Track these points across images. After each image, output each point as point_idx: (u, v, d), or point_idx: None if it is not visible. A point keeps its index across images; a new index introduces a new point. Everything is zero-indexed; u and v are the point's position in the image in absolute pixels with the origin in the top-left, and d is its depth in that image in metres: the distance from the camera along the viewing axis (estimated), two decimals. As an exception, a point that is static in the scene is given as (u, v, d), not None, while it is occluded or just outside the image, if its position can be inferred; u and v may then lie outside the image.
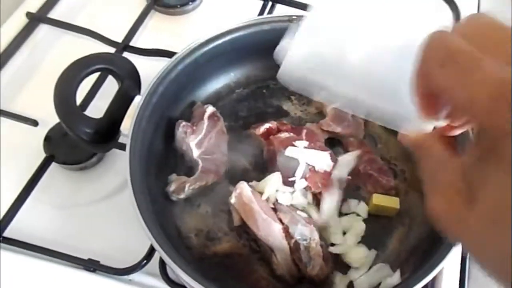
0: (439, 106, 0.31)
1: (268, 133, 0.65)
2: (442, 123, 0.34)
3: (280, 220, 0.56)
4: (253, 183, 0.61)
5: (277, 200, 0.59)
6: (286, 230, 0.56)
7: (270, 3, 0.87)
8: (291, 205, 0.60)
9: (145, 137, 0.59)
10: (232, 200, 0.58)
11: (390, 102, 0.36)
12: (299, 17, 0.68)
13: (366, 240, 0.61)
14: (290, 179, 0.60)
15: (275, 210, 0.58)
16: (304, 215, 0.58)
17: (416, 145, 0.34)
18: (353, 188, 0.64)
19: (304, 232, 0.56)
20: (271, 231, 0.55)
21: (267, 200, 0.59)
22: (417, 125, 0.34)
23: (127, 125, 0.58)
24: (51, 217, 0.66)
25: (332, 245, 0.60)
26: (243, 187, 0.57)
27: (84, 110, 0.69)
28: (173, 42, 0.79)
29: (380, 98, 0.37)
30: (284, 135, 0.63)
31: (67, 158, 0.68)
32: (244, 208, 0.57)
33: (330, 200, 0.60)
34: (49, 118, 0.69)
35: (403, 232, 0.62)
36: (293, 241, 0.55)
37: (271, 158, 0.62)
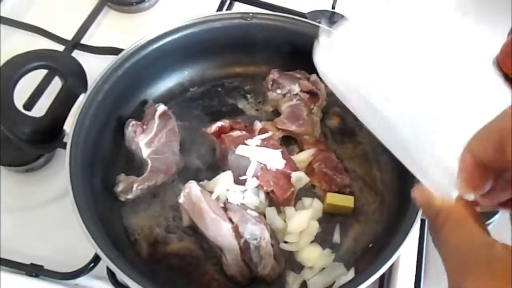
0: (485, 180, 0.30)
1: (220, 131, 0.63)
2: (472, 196, 0.30)
3: (230, 220, 0.55)
4: (204, 182, 0.60)
5: (227, 199, 0.58)
6: (235, 229, 0.54)
7: (228, 1, 0.86)
8: (243, 204, 0.58)
9: (89, 136, 0.57)
10: (181, 199, 0.56)
11: (423, 156, 0.33)
12: (254, 14, 0.68)
13: (320, 239, 0.60)
14: (242, 178, 0.59)
15: (225, 209, 0.56)
16: (255, 214, 0.57)
17: (441, 211, 0.31)
18: (307, 186, 0.63)
19: (254, 232, 0.54)
20: (220, 231, 0.54)
21: (218, 199, 0.57)
22: (445, 189, 0.32)
23: (71, 123, 0.56)
24: (-5, 221, 0.63)
25: (285, 241, 0.59)
26: (192, 187, 0.56)
27: (30, 110, 0.67)
28: (128, 40, 0.76)
29: (414, 149, 0.34)
30: (236, 133, 0.62)
31: (12, 160, 0.65)
32: (193, 207, 0.55)
33: (299, 219, 0.59)
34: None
35: (358, 230, 0.62)
36: (242, 240, 0.54)
37: (223, 157, 0.61)
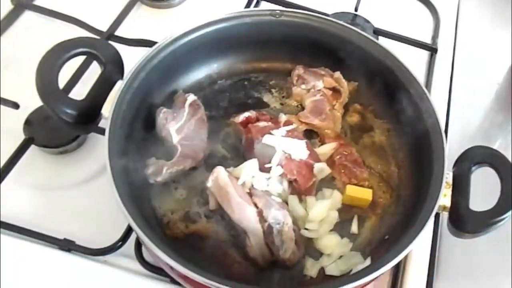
0: None
1: (247, 121, 0.66)
2: None
3: (255, 204, 0.58)
4: (230, 169, 0.62)
5: (253, 185, 0.60)
6: (260, 213, 0.57)
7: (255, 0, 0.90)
8: (267, 191, 0.61)
9: (125, 121, 0.60)
10: (209, 183, 0.59)
11: None
12: (282, 12, 0.70)
13: (339, 228, 0.62)
14: (267, 166, 0.61)
15: (250, 194, 0.59)
16: (278, 200, 0.60)
17: None
18: (328, 178, 0.66)
19: (278, 216, 0.57)
20: (245, 214, 0.56)
21: (243, 185, 0.60)
22: None
23: (107, 108, 0.59)
24: (30, 197, 0.66)
25: (305, 229, 0.61)
26: (220, 171, 0.59)
27: (68, 92, 0.70)
28: (158, 34, 0.80)
29: None
30: (262, 124, 0.65)
31: (47, 141, 0.69)
32: (220, 191, 0.58)
33: (320, 208, 0.61)
34: (31, 102, 0.70)
35: (375, 222, 0.64)
36: (266, 224, 0.57)
37: (249, 146, 0.64)
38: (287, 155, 0.62)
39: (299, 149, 0.63)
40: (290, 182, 0.63)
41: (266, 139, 0.62)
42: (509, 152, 0.81)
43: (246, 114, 0.66)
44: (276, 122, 0.66)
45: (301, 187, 0.62)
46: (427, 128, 0.64)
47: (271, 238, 0.57)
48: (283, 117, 0.67)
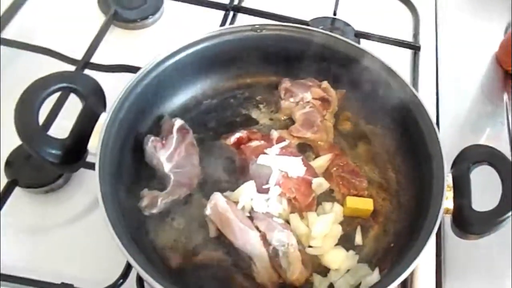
0: None
1: (239, 142, 0.65)
2: None
3: (257, 228, 0.56)
4: (227, 193, 0.61)
5: (252, 208, 0.59)
6: (263, 237, 0.55)
7: (231, 13, 0.88)
8: (267, 212, 0.59)
9: (114, 154, 0.57)
10: (207, 211, 0.57)
11: None
12: (263, 25, 0.69)
13: (343, 241, 0.61)
14: (264, 187, 0.60)
15: (251, 218, 0.57)
16: (280, 221, 0.58)
17: None
18: (327, 190, 0.65)
19: (282, 238, 0.56)
20: (248, 239, 0.55)
21: (243, 209, 0.58)
22: None
23: (93, 143, 0.57)
24: (20, 243, 0.63)
25: (310, 246, 0.60)
26: (218, 198, 0.57)
27: (47, 130, 0.67)
28: (135, 56, 0.79)
29: None
30: (255, 143, 0.63)
31: (32, 182, 0.66)
32: (220, 218, 0.56)
33: (322, 224, 0.60)
34: (9, 141, 0.67)
35: (378, 230, 0.63)
36: (271, 247, 0.55)
37: (244, 167, 0.62)
38: (284, 174, 0.61)
39: (295, 166, 0.61)
40: (289, 200, 0.61)
41: (262, 160, 0.61)
42: (498, 142, 0.82)
43: (237, 134, 0.65)
44: (268, 140, 0.65)
45: (301, 204, 0.61)
46: (420, 128, 0.63)
47: (278, 261, 0.55)
48: (275, 134, 0.66)
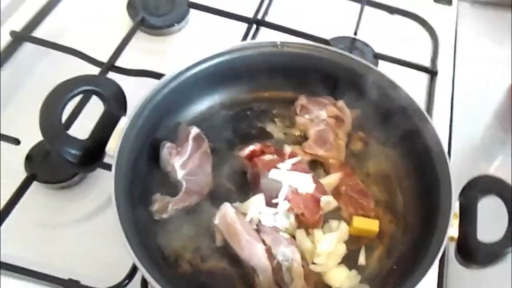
0: None
1: (252, 155, 0.66)
2: None
3: (263, 241, 0.57)
4: (237, 204, 0.62)
5: (260, 221, 0.60)
6: (268, 250, 0.56)
7: (254, 26, 0.90)
8: (274, 226, 0.61)
9: (130, 158, 0.59)
10: (216, 221, 0.58)
11: None
12: (284, 43, 0.71)
13: (346, 260, 0.62)
14: (274, 201, 0.61)
15: (258, 231, 0.58)
16: (286, 236, 0.59)
17: None
18: (334, 209, 0.66)
19: (286, 253, 0.57)
20: (254, 252, 0.56)
21: (251, 221, 0.60)
22: None
23: (111, 146, 0.59)
24: (32, 236, 0.65)
25: (313, 263, 0.61)
26: (227, 208, 0.58)
27: (68, 128, 0.69)
28: (158, 62, 0.81)
29: None
30: (267, 157, 0.65)
31: (49, 177, 0.68)
32: (227, 229, 0.57)
33: (327, 241, 0.61)
34: (31, 136, 0.69)
35: (382, 252, 0.64)
36: (275, 261, 0.56)
37: (255, 180, 0.64)
38: (293, 189, 0.62)
39: (305, 183, 0.62)
40: (297, 216, 0.62)
41: (273, 174, 0.62)
42: (510, 170, 0.82)
43: (251, 147, 0.66)
44: (281, 154, 0.66)
45: (308, 221, 0.62)
46: (431, 154, 0.64)
47: (281, 275, 0.56)
48: (287, 149, 0.67)
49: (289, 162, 0.64)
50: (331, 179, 0.67)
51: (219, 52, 0.68)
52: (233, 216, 0.57)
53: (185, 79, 0.65)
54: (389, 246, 0.64)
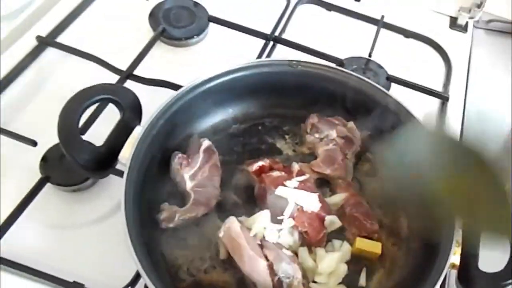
0: None
1: (261, 170, 0.67)
2: None
3: (266, 257, 0.58)
4: (242, 218, 0.63)
5: (264, 237, 0.61)
6: (270, 267, 0.57)
7: (271, 43, 0.92)
8: (278, 243, 0.62)
9: (142, 167, 0.61)
10: (221, 234, 0.59)
11: None
12: (299, 62, 0.72)
13: (347, 280, 0.63)
14: (279, 218, 0.62)
15: (261, 246, 0.59)
16: (289, 253, 0.60)
17: None
18: (338, 229, 0.66)
19: (288, 271, 0.57)
20: (256, 267, 0.57)
21: (255, 236, 0.61)
22: None
23: (124, 154, 0.60)
24: (41, 237, 0.67)
25: (314, 282, 0.61)
26: (232, 222, 0.59)
27: (84, 134, 0.71)
28: (176, 73, 0.83)
29: None
30: (275, 174, 0.66)
31: (62, 180, 0.70)
32: (232, 243, 0.59)
33: (329, 261, 0.62)
34: (48, 139, 0.71)
35: (383, 275, 0.64)
36: (276, 278, 0.57)
37: (262, 196, 0.65)
38: (299, 207, 0.63)
39: (311, 202, 0.63)
40: (301, 233, 0.63)
41: (280, 191, 0.63)
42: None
43: (260, 163, 0.67)
44: (289, 172, 0.67)
45: (311, 239, 0.63)
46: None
47: (281, 292, 0.57)
48: (295, 167, 0.68)
49: (296, 180, 0.65)
50: (337, 199, 0.68)
51: (235, 68, 0.69)
52: (238, 230, 0.59)
53: (200, 92, 0.67)
54: (390, 270, 0.64)
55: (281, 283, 0.57)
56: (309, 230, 0.63)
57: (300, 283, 0.58)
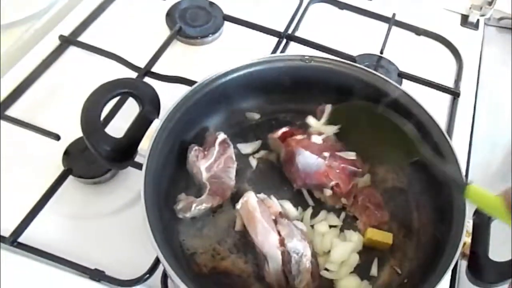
0: None
1: (285, 135, 0.70)
2: None
3: (278, 232, 0.60)
4: (261, 195, 0.66)
5: (280, 213, 0.63)
6: (282, 241, 0.59)
7: (284, 41, 0.94)
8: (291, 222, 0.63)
9: (160, 159, 0.63)
10: (238, 206, 0.62)
11: None
12: (312, 57, 0.74)
13: (358, 270, 0.64)
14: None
15: (275, 222, 0.62)
16: (303, 227, 0.63)
17: None
18: (350, 219, 0.68)
19: (298, 247, 0.59)
20: (267, 239, 0.59)
21: (270, 211, 0.63)
22: None
23: (144, 146, 0.63)
24: (64, 226, 0.69)
25: (326, 269, 0.63)
26: (250, 196, 0.62)
27: (105, 127, 0.74)
28: (192, 70, 0.85)
29: None
30: (299, 137, 0.70)
31: (84, 172, 0.73)
32: (247, 215, 0.61)
33: (342, 250, 0.65)
34: (70, 133, 0.75)
35: (394, 265, 0.66)
36: (286, 253, 0.59)
37: (290, 158, 0.68)
38: (327, 163, 0.67)
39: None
40: (331, 188, 0.67)
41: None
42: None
43: (284, 129, 0.71)
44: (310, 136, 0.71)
45: (342, 191, 0.67)
46: (448, 175, 0.65)
47: (289, 267, 0.59)
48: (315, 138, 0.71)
49: (319, 138, 0.70)
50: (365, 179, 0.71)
51: (249, 63, 0.71)
52: (254, 204, 0.61)
53: (216, 87, 0.69)
54: (401, 260, 0.66)
55: (290, 258, 0.59)
56: (339, 182, 0.66)
57: (309, 260, 0.59)
